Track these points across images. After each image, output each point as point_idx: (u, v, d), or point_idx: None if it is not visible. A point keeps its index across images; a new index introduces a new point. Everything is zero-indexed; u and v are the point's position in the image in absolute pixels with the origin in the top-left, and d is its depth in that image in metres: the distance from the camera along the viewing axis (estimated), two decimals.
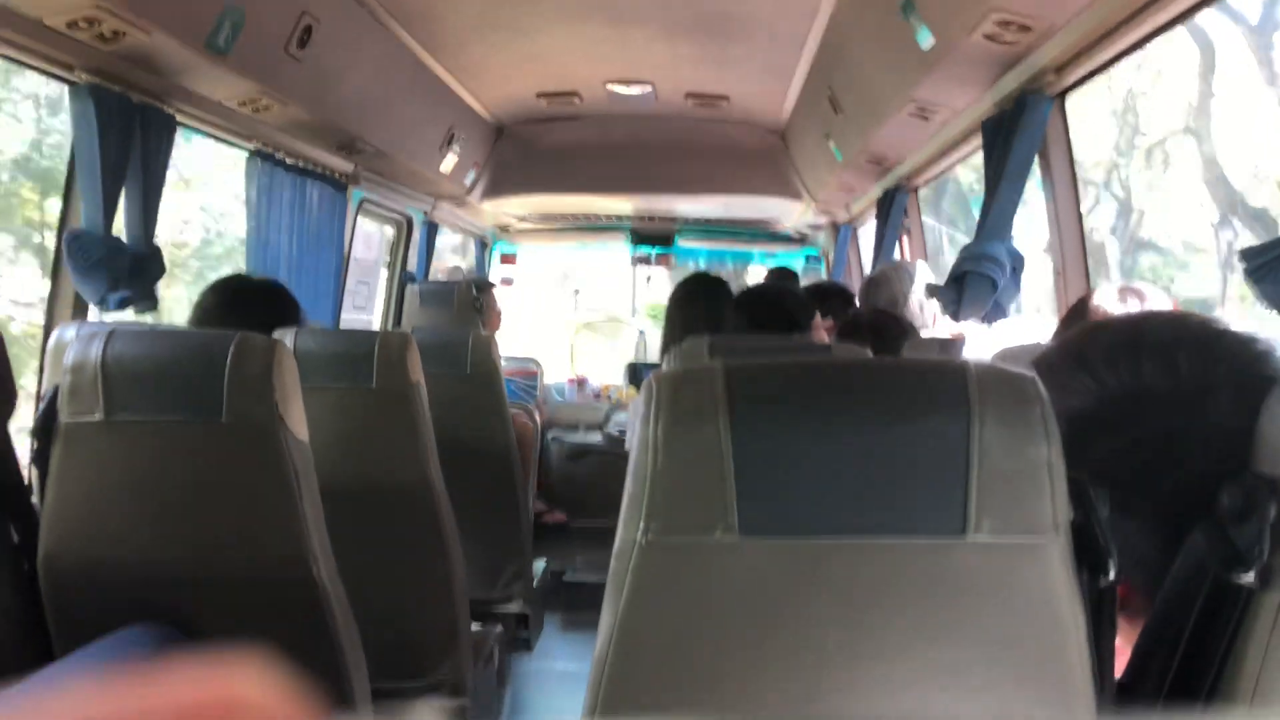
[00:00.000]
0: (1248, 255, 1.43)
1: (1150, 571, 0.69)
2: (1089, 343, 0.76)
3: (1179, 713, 0.70)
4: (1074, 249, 2.37)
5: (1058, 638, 0.68)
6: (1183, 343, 0.71)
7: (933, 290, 2.54)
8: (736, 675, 0.69)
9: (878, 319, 2.48)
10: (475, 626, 2.24)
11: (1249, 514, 0.65)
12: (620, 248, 5.48)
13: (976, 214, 2.50)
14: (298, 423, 1.32)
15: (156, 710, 0.12)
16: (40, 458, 1.30)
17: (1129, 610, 0.72)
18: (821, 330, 2.60)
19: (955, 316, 2.46)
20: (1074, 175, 2.40)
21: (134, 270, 2.27)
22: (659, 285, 5.75)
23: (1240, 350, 0.71)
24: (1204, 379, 0.70)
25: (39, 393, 2.19)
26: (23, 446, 1.36)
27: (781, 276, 4.10)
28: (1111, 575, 0.67)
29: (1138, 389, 0.71)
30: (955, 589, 0.68)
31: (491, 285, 4.49)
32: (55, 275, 2.28)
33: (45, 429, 1.29)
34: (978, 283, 2.38)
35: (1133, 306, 1.76)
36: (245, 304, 1.93)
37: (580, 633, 3.24)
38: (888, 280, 2.73)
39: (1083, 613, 0.68)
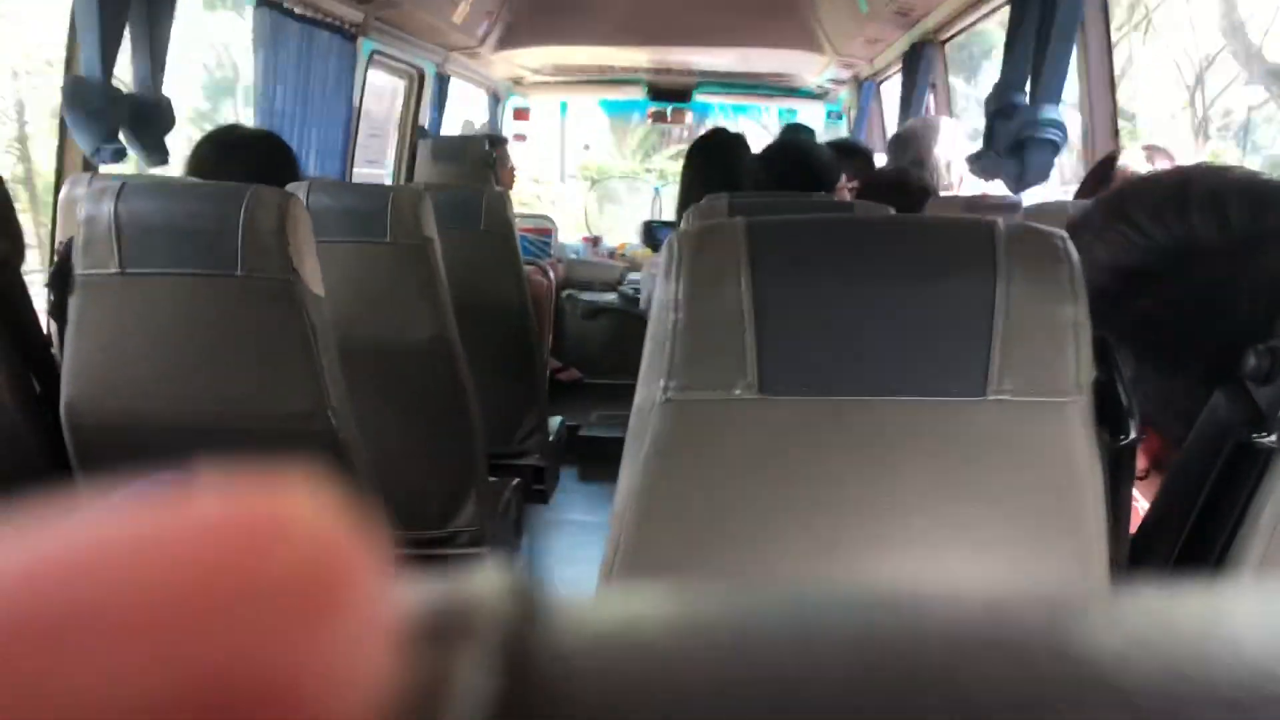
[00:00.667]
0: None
1: (1187, 427, 0.69)
2: (1132, 197, 0.74)
3: (1187, 572, 0.70)
4: (1104, 109, 2.30)
5: (1075, 496, 0.68)
6: (1231, 193, 0.70)
7: (984, 165, 2.40)
8: (755, 530, 0.70)
9: (901, 177, 2.42)
10: (492, 479, 2.28)
11: (1273, 375, 0.65)
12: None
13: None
14: (313, 277, 1.32)
15: (187, 535, 0.11)
16: (58, 310, 1.31)
17: (1164, 467, 0.73)
18: (845, 190, 2.55)
19: (1016, 188, 2.32)
20: (1108, 31, 2.32)
21: (139, 121, 2.23)
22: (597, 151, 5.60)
23: None
24: (1253, 229, 0.68)
25: (53, 243, 2.19)
26: (38, 297, 1.37)
27: (797, 134, 4.01)
28: (1132, 435, 0.67)
29: (1186, 240, 0.69)
30: (975, 446, 0.68)
31: (505, 140, 4.42)
32: (63, 125, 2.25)
33: (61, 281, 1.30)
34: (1041, 149, 2.22)
35: (1161, 165, 1.72)
36: (239, 156, 1.90)
37: (595, 485, 3.30)
38: (915, 136, 2.65)
39: (1101, 472, 0.68)
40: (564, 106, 5.36)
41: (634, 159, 10.45)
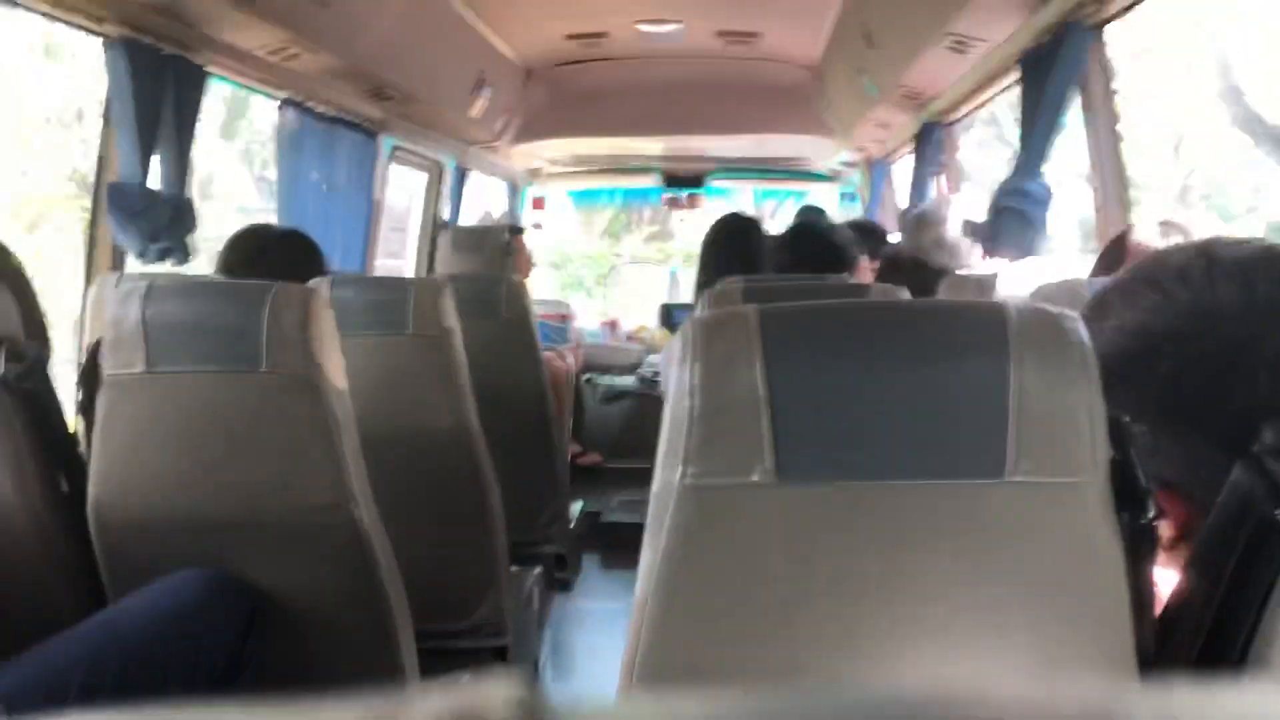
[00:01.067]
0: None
1: (1214, 494, 0.69)
2: (1158, 264, 0.75)
3: (1214, 654, 0.69)
4: (1114, 183, 2.32)
5: (1096, 577, 0.68)
6: (1256, 262, 0.70)
7: (970, 227, 2.49)
8: (777, 617, 0.70)
9: (920, 256, 2.45)
10: (514, 568, 2.27)
11: None
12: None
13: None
14: (336, 371, 1.33)
15: None
16: (86, 408, 1.33)
17: (1191, 538, 0.72)
18: (868, 270, 2.57)
19: (991, 254, 2.42)
20: (1114, 108, 2.35)
21: (170, 221, 2.29)
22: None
23: None
24: (1277, 299, 0.69)
25: (80, 341, 2.23)
26: (65, 395, 1.39)
27: (812, 214, 4.05)
28: (1150, 514, 0.67)
29: (1210, 305, 0.70)
30: (993, 529, 0.68)
31: (523, 230, 4.48)
32: (93, 227, 2.31)
33: (90, 379, 1.32)
34: (1014, 219, 2.34)
35: (1175, 240, 1.73)
36: (269, 254, 1.95)
37: (618, 572, 3.27)
38: (933, 215, 2.69)
39: (1122, 552, 0.68)
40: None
41: (602, 242, 10.35)
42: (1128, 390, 0.68)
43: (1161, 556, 0.70)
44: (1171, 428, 0.69)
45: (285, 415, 1.32)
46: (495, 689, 0.13)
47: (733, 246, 2.59)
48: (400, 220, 4.22)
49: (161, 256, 2.27)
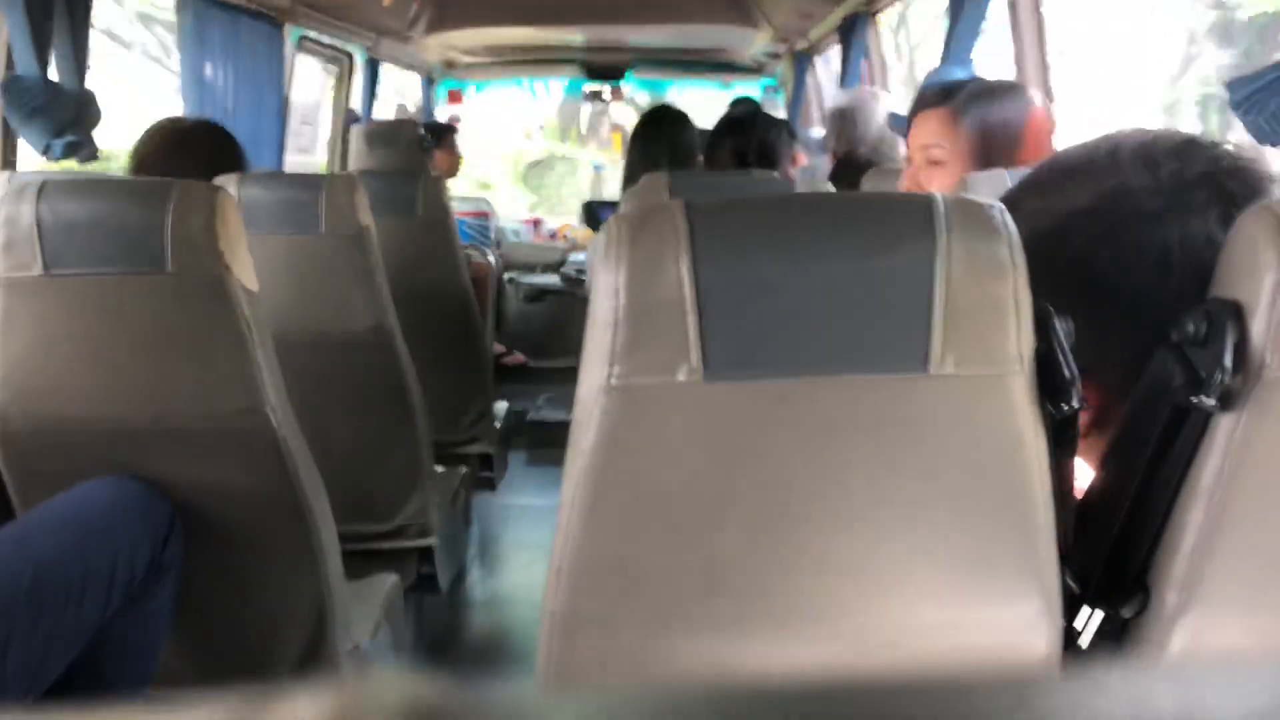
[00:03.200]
0: (1233, 86, 1.39)
1: (1130, 382, 0.70)
2: (1070, 153, 0.79)
3: (1131, 540, 0.71)
4: (1035, 72, 2.32)
5: (1020, 468, 0.69)
6: (1161, 145, 0.73)
7: (895, 120, 2.47)
8: (702, 513, 0.70)
9: (871, 159, 2.43)
10: (439, 469, 2.26)
11: (1210, 338, 0.66)
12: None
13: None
14: (246, 272, 1.29)
15: None
16: None
17: (1105, 423, 0.74)
18: (799, 162, 2.54)
19: None
20: None
21: (75, 116, 2.17)
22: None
23: (1217, 155, 0.72)
24: (1181, 177, 0.71)
25: None
26: None
27: (744, 107, 3.99)
28: (1075, 404, 0.67)
29: (1118, 185, 0.73)
30: (919, 423, 0.68)
31: (452, 129, 4.36)
32: None
33: None
34: None
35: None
36: (184, 149, 1.85)
37: (544, 470, 3.29)
38: (854, 110, 2.66)
39: (1045, 444, 0.69)
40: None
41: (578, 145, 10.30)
42: (1045, 274, 0.68)
43: (1081, 447, 0.72)
44: (1087, 310, 0.70)
45: (194, 318, 1.27)
46: (379, 687, 0.12)
47: (660, 140, 2.55)
48: (310, 115, 4.07)
49: (68, 153, 2.15)
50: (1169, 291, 0.69)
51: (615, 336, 0.67)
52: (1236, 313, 0.66)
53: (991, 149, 1.47)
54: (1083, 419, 0.70)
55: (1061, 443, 0.69)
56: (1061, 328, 0.67)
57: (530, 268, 4.39)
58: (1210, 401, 0.66)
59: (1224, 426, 0.67)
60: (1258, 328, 0.65)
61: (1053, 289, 0.69)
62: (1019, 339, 0.67)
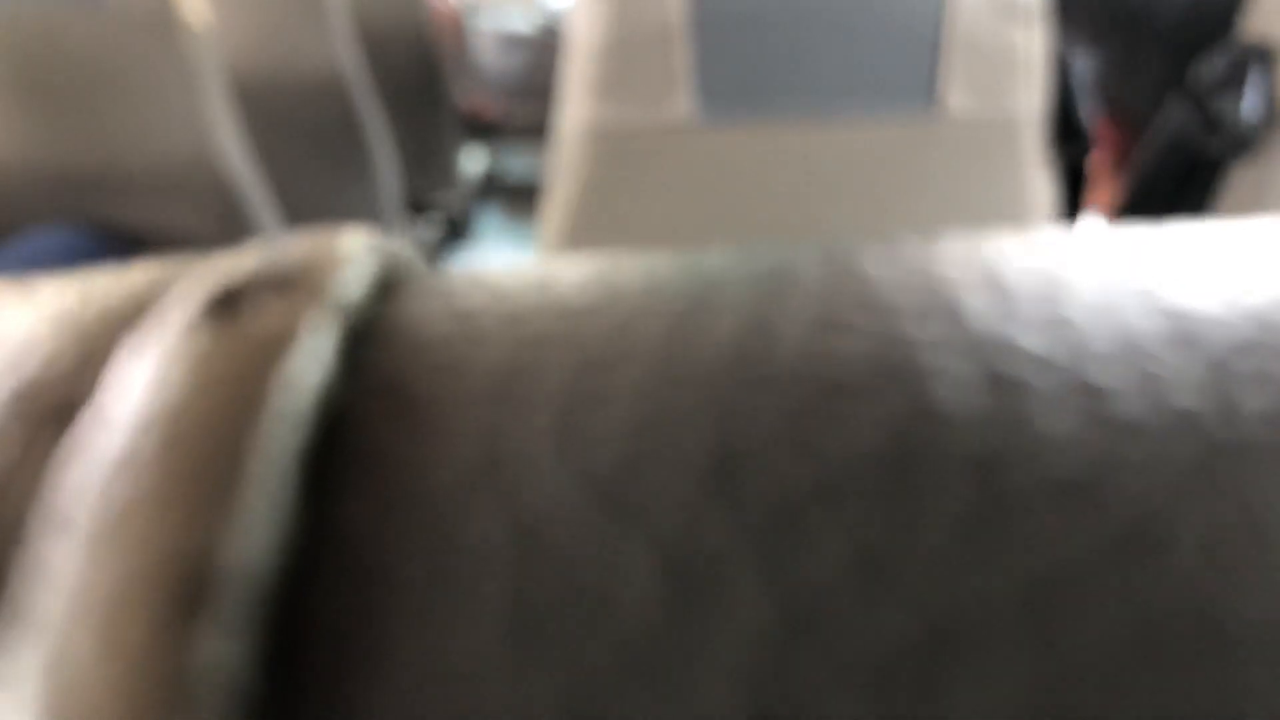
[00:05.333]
0: None
1: (1148, 106, 0.67)
2: None
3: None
4: None
5: (1026, 216, 0.66)
6: None
7: None
8: None
9: None
10: (409, 223, 2.22)
11: (1231, 83, 0.62)
12: None
13: None
14: (192, 10, 1.19)
15: None
16: None
17: (1126, 167, 0.71)
18: None
19: None
20: None
21: None
22: None
23: None
24: None
25: None
26: None
27: None
28: (1084, 152, 0.64)
29: None
30: (923, 172, 0.64)
31: None
32: None
33: None
34: None
35: None
36: None
37: (519, 223, 3.25)
38: None
39: (1052, 190, 0.65)
40: None
41: None
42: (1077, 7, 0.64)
43: (1091, 197, 0.69)
44: (1118, 39, 0.65)
45: (138, 58, 1.19)
46: (349, 241, 0.11)
47: None
48: None
49: None
50: (1202, 27, 0.65)
51: (597, 72, 0.61)
52: (1262, 57, 0.62)
53: None
54: (1103, 161, 0.67)
55: (1072, 191, 0.66)
56: (1080, 71, 0.63)
57: (501, 4, 4.17)
58: (1228, 148, 0.63)
59: (1241, 177, 0.64)
60: None
61: (1085, 15, 0.64)
62: (1030, 83, 0.62)
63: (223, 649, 0.07)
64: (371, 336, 0.10)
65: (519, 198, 3.21)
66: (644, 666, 0.07)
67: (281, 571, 0.08)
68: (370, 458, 0.09)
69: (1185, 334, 0.09)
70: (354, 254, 0.10)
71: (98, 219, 1.25)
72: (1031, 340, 0.09)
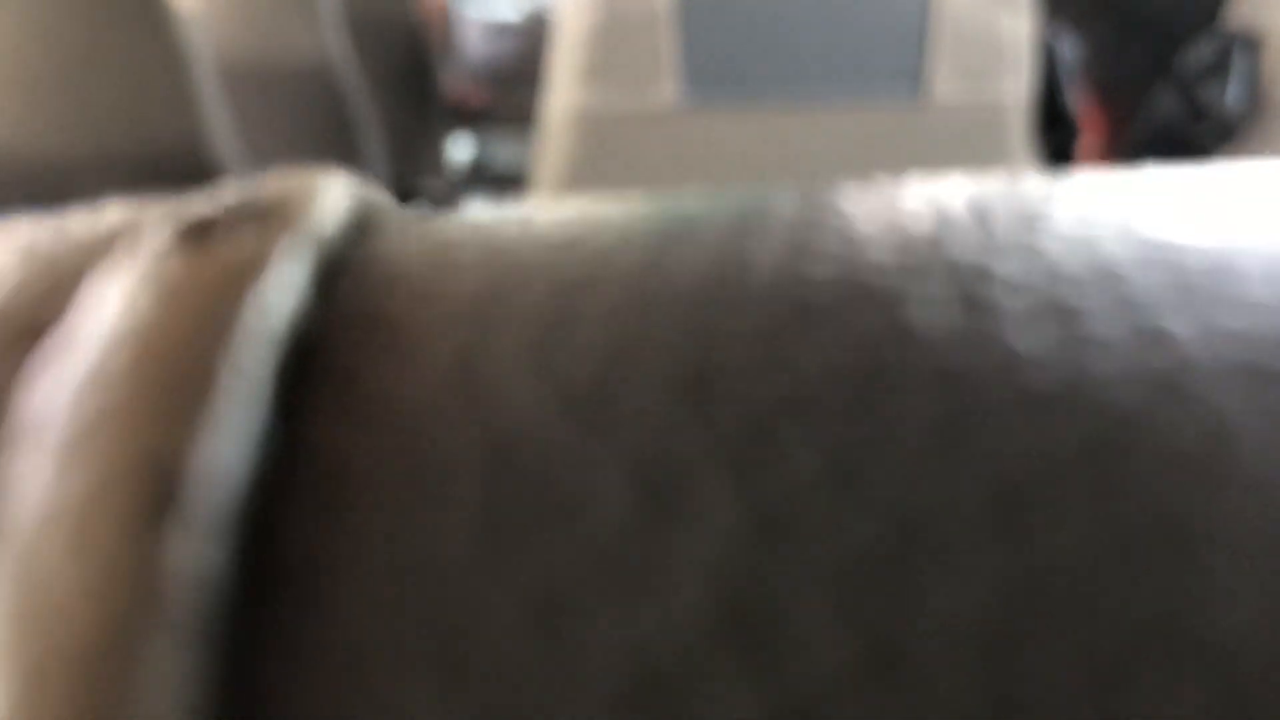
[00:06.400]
0: None
1: (1135, 92, 0.67)
2: None
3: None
4: None
5: None
6: None
7: None
8: None
9: None
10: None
11: (1216, 71, 0.62)
12: None
13: None
14: None
15: None
16: None
17: (1116, 154, 0.71)
18: None
19: None
20: None
21: None
22: None
23: None
24: None
25: None
26: None
27: None
28: (1070, 138, 0.64)
29: None
30: (907, 160, 0.65)
31: None
32: None
33: None
34: None
35: None
36: None
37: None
38: None
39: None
40: None
41: None
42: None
43: None
44: (1108, 20, 0.65)
45: (122, 44, 1.18)
46: (326, 180, 0.11)
47: None
48: None
49: None
50: (1190, 13, 0.65)
51: (586, 54, 0.61)
52: (1249, 44, 0.62)
53: None
54: (1089, 147, 0.68)
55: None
56: (1067, 57, 0.63)
57: None
58: (1212, 138, 0.63)
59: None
60: (1271, 59, 0.62)
61: (1073, 1, 0.64)
62: (1017, 69, 0.63)
63: (193, 550, 0.07)
64: (347, 269, 0.10)
65: (506, 185, 3.20)
66: (614, 565, 0.07)
67: (253, 483, 0.08)
68: (343, 380, 0.09)
69: (1160, 259, 0.09)
70: (330, 191, 0.10)
71: (81, 206, 1.25)
72: (1005, 267, 0.09)
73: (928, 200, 0.10)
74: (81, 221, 0.11)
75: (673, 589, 0.07)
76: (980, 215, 0.10)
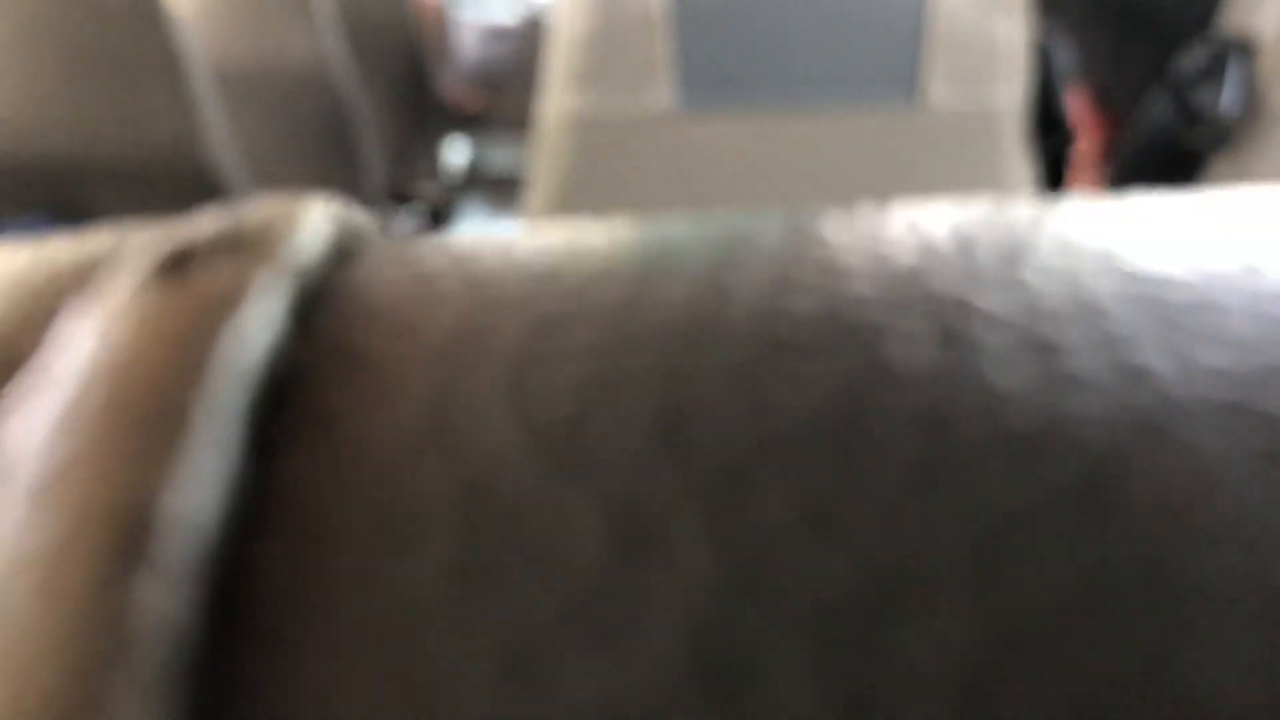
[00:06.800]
0: None
1: (1130, 97, 0.67)
2: None
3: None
4: None
5: None
6: None
7: None
8: None
9: None
10: (391, 215, 2.21)
11: (1211, 75, 0.62)
12: None
13: None
14: None
15: None
16: None
17: (1113, 157, 0.71)
18: None
19: None
20: None
21: None
22: None
23: None
24: None
25: None
26: None
27: None
28: (1066, 143, 0.64)
29: None
30: (903, 165, 0.65)
31: None
32: None
33: None
34: None
35: None
36: None
37: (502, 214, 3.25)
38: None
39: (1033, 181, 0.66)
40: None
41: None
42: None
43: (1072, 188, 0.69)
44: (1106, 24, 0.65)
45: (120, 46, 1.18)
46: (306, 208, 0.11)
47: None
48: None
49: None
50: (1186, 18, 0.65)
51: (579, 61, 0.61)
52: (1243, 49, 0.62)
53: None
54: (1084, 152, 0.68)
55: (1051, 182, 0.67)
56: (1062, 62, 0.63)
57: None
58: (1207, 141, 0.63)
59: (1220, 171, 0.65)
60: (1265, 65, 0.62)
61: (1068, 5, 0.64)
62: (1012, 74, 0.63)
63: (163, 598, 0.07)
64: (326, 300, 0.10)
65: (501, 189, 3.20)
66: (588, 616, 0.07)
67: (225, 526, 0.08)
68: (318, 418, 0.09)
69: (1141, 294, 0.09)
70: (310, 218, 0.10)
71: (77, 208, 1.24)
72: (986, 300, 0.09)
73: (911, 228, 0.10)
74: (62, 248, 0.11)
75: (644, 639, 0.07)
76: (963, 245, 0.10)
